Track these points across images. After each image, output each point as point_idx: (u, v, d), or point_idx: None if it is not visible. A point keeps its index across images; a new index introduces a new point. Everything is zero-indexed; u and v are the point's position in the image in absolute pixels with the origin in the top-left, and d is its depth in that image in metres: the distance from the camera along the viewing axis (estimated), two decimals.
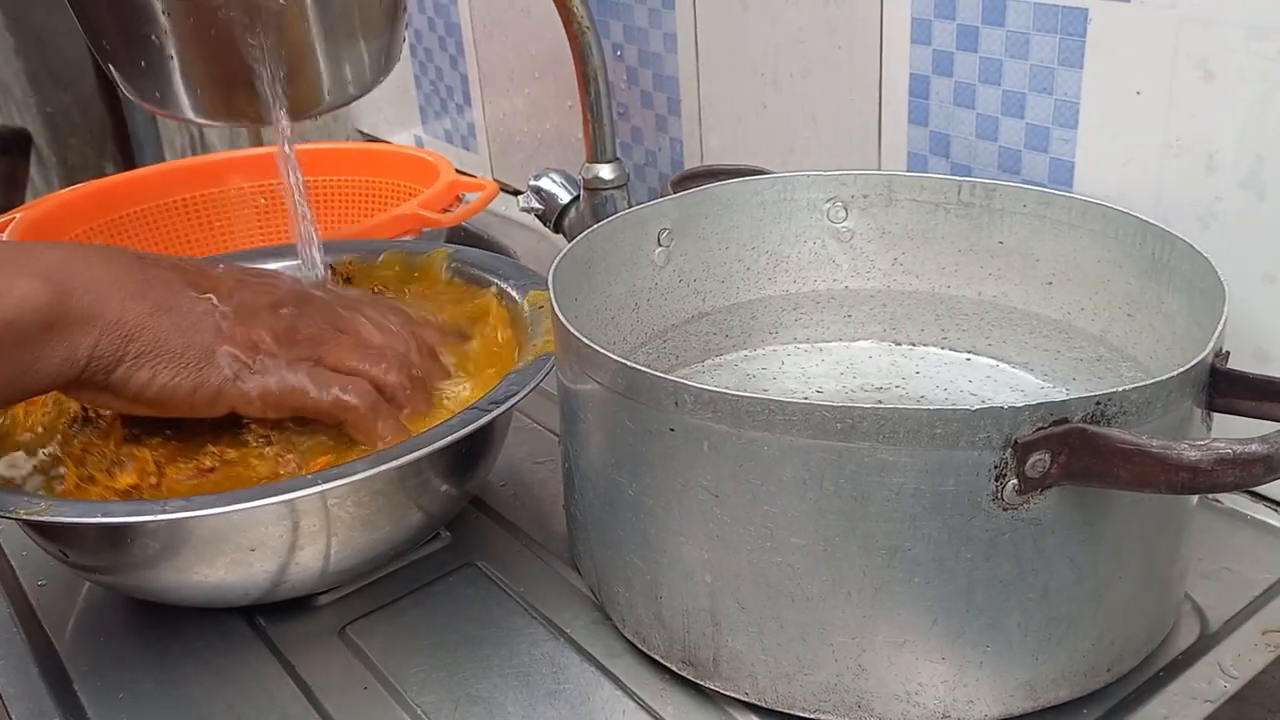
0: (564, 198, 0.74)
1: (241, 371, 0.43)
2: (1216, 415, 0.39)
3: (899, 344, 0.57)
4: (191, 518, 0.39)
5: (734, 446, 0.35)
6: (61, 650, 0.46)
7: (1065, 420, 0.33)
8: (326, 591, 0.47)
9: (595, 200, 0.71)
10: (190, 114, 0.50)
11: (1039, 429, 0.33)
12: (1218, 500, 0.50)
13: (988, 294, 0.54)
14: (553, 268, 0.45)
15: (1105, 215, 0.49)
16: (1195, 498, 0.40)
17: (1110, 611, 0.37)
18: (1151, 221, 0.46)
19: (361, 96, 0.55)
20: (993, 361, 0.55)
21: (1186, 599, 0.43)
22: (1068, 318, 0.52)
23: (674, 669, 0.41)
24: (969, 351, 0.56)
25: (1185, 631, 0.42)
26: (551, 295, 0.43)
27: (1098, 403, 0.34)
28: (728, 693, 0.39)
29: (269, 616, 0.46)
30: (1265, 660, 0.40)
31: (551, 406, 0.46)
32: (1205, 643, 0.42)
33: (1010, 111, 0.54)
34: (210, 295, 0.44)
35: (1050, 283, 0.52)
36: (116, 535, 0.41)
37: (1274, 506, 0.48)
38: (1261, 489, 0.49)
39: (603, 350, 0.38)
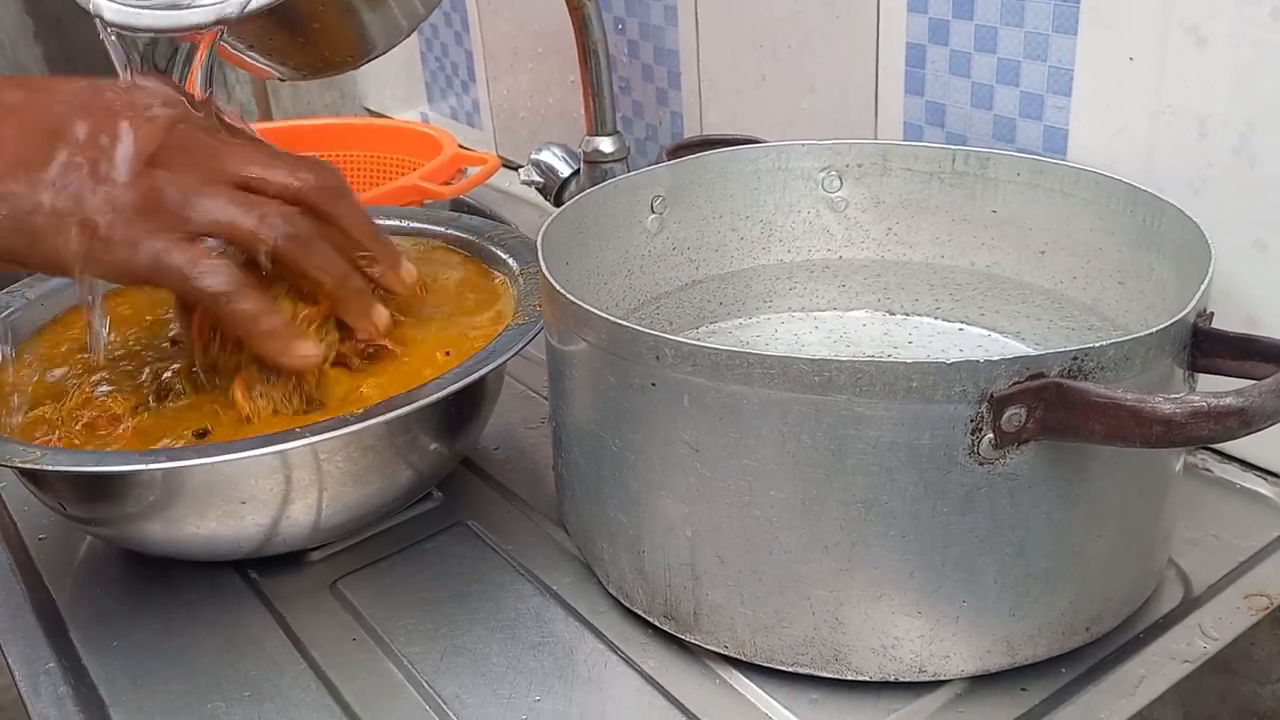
0: (564, 171, 0.74)
1: (94, 244, 0.39)
2: (1203, 377, 0.39)
3: (893, 313, 0.57)
4: (182, 467, 0.40)
5: (713, 400, 0.36)
6: (59, 600, 0.46)
7: (1041, 375, 0.34)
8: (319, 547, 0.48)
9: (595, 173, 0.71)
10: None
11: (1015, 383, 0.34)
12: (1208, 469, 0.50)
13: (981, 264, 0.54)
14: (543, 230, 0.46)
15: (1097, 183, 0.49)
16: (1179, 462, 0.40)
17: (1089, 570, 0.38)
18: (1142, 188, 0.46)
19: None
20: (985, 331, 0.55)
21: (1171, 564, 0.44)
22: (1060, 287, 0.52)
23: (656, 623, 0.41)
24: (962, 321, 0.56)
25: (1168, 596, 0.42)
26: (540, 255, 0.43)
27: (1074, 358, 0.34)
28: (708, 646, 0.40)
29: (261, 571, 0.47)
30: (1246, 623, 0.41)
31: (545, 373, 0.47)
32: (1187, 606, 0.42)
33: (1005, 80, 0.54)
34: (71, 146, 0.39)
35: (1043, 252, 0.52)
36: (111, 486, 0.42)
37: (1264, 475, 0.48)
38: (1253, 458, 0.49)
39: (584, 305, 0.39)
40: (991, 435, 0.34)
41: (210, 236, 0.41)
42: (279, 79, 0.51)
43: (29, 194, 0.39)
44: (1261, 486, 0.48)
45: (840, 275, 0.58)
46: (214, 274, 0.40)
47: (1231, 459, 0.49)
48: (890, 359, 0.34)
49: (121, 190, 0.39)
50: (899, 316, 0.57)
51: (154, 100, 0.41)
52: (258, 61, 0.50)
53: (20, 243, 0.39)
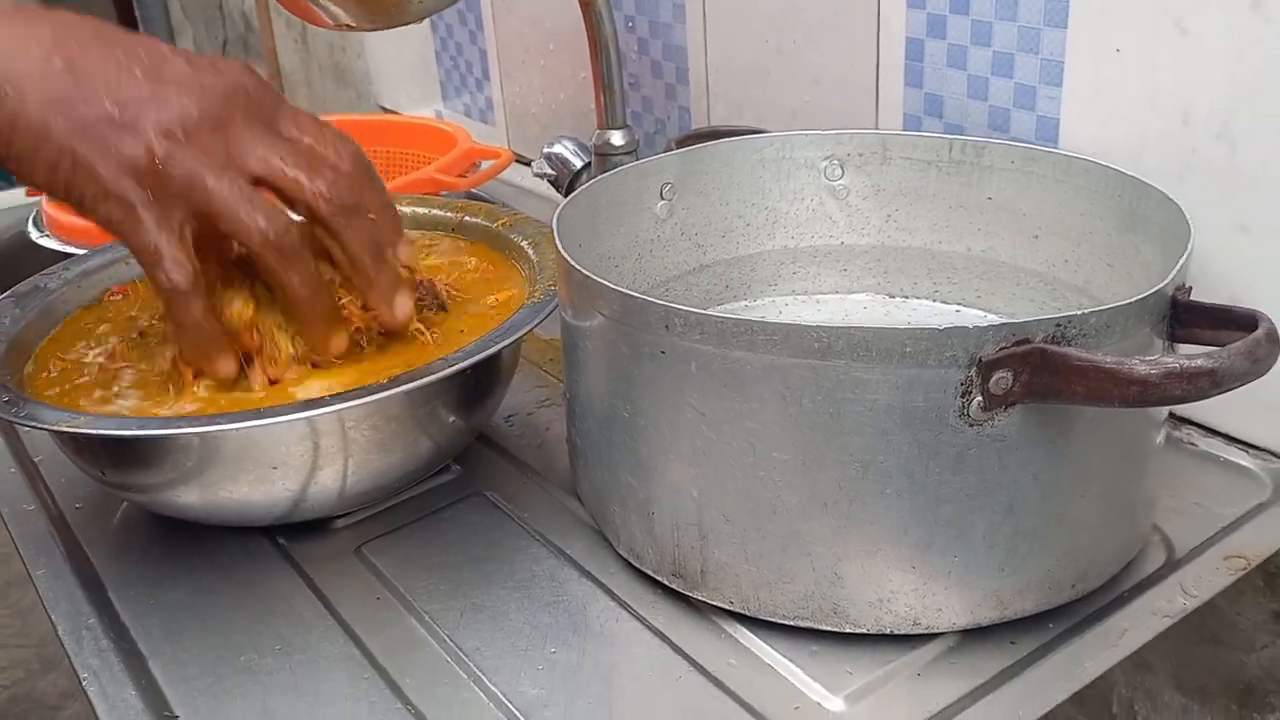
0: (576, 164, 0.76)
1: (152, 168, 0.40)
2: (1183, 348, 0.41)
3: (892, 296, 0.59)
4: (217, 431, 0.42)
5: (719, 366, 0.38)
6: (97, 564, 0.49)
7: (1027, 340, 0.36)
8: (344, 515, 0.50)
9: (606, 166, 0.74)
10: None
11: (1002, 348, 0.36)
12: (1193, 443, 0.52)
13: (977, 249, 0.57)
14: (558, 213, 0.48)
15: (1087, 170, 0.51)
16: (1160, 432, 0.42)
17: (1074, 530, 0.40)
18: (1128, 173, 0.48)
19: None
20: (981, 312, 0.57)
21: (1155, 529, 0.46)
22: (1052, 270, 0.54)
23: (664, 582, 0.44)
24: (959, 303, 0.58)
25: (1152, 558, 0.45)
26: (555, 235, 0.46)
27: (1058, 325, 0.36)
28: (714, 602, 0.42)
29: (290, 537, 0.50)
30: (1224, 582, 0.43)
31: (559, 355, 0.49)
32: (1170, 567, 0.44)
33: (999, 72, 0.56)
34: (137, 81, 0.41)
35: (1036, 237, 0.54)
36: (151, 452, 0.45)
37: (1246, 448, 0.51)
38: (1237, 432, 0.51)
39: (597, 278, 0.41)
40: (980, 398, 0.36)
41: (259, 178, 0.42)
42: (337, 27, 0.53)
43: (97, 102, 0.40)
44: (1243, 459, 0.50)
45: (842, 260, 0.60)
46: (269, 219, 0.42)
47: (1215, 433, 0.52)
48: (886, 325, 0.36)
49: (180, 119, 0.40)
50: (899, 299, 0.59)
51: (221, 68, 0.43)
52: (323, 8, 0.52)
53: (84, 151, 0.40)
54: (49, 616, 0.45)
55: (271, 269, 0.43)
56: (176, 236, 0.41)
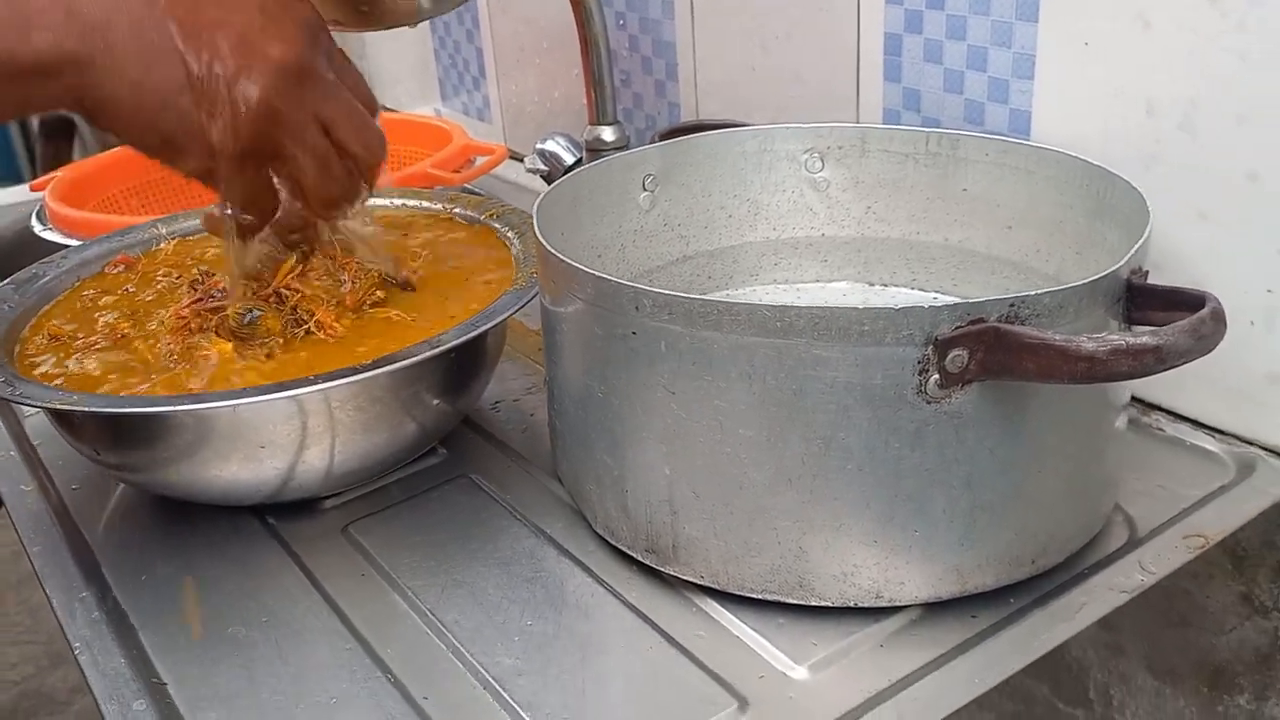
0: (568, 159, 0.78)
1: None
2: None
3: (872, 284, 0.61)
4: (205, 409, 0.44)
5: (687, 346, 0.39)
6: (92, 543, 0.51)
7: (982, 319, 0.37)
8: (333, 495, 0.52)
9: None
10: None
11: (958, 327, 0.37)
12: (1160, 429, 0.53)
13: (954, 239, 0.58)
14: (539, 201, 0.49)
15: (1058, 161, 0.52)
16: (1119, 416, 0.44)
17: (1032, 506, 0.41)
18: (1094, 163, 0.49)
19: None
20: (958, 300, 0.58)
21: (1119, 510, 0.47)
22: (1025, 259, 0.55)
23: (638, 558, 0.45)
24: (936, 291, 0.59)
25: (1114, 537, 0.46)
26: (535, 223, 0.47)
27: (1011, 304, 0.37)
28: (685, 577, 0.43)
29: (279, 516, 0.51)
30: (1183, 559, 0.44)
31: (542, 343, 0.50)
32: (1131, 546, 0.45)
33: (974, 66, 0.57)
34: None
35: (1010, 227, 0.56)
36: (142, 431, 0.46)
37: (1212, 433, 0.52)
38: (1204, 417, 0.52)
39: (571, 262, 0.42)
40: (937, 376, 0.38)
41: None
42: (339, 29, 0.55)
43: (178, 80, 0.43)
44: (1209, 443, 0.51)
45: (822, 251, 0.61)
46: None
47: (1183, 418, 0.53)
48: (844, 305, 0.37)
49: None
50: (878, 287, 0.60)
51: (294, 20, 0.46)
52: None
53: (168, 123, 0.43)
54: (43, 590, 0.47)
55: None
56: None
